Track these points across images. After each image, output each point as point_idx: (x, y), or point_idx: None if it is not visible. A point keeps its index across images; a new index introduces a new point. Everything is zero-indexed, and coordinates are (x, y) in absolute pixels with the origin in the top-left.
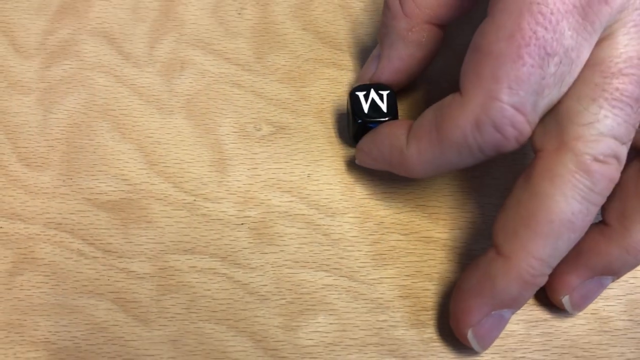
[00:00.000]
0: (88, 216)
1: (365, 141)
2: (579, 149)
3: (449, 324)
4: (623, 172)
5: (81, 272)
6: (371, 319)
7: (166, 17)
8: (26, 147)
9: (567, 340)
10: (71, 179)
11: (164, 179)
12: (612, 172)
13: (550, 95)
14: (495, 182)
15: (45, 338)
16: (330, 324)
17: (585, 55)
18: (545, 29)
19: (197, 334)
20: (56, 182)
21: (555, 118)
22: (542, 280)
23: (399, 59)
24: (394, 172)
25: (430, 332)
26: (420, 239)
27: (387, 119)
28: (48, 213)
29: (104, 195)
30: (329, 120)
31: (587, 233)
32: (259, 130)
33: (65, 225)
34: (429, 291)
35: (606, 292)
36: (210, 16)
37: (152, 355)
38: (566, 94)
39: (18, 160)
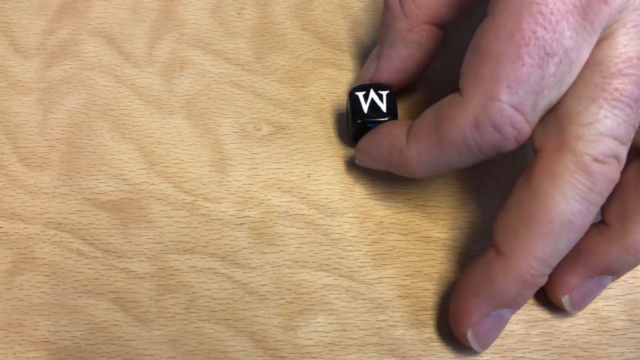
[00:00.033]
0: (88, 216)
1: (365, 141)
2: (578, 149)
3: (449, 323)
4: (623, 172)
5: (81, 272)
6: (371, 318)
7: (166, 17)
8: (26, 147)
9: (566, 340)
10: (71, 179)
11: (164, 179)
12: (612, 172)
13: (549, 96)
14: (495, 182)
15: (45, 338)
16: (330, 323)
17: (585, 55)
18: (545, 29)
19: (196, 334)
20: (56, 182)
21: (555, 118)
22: (542, 280)
23: (399, 59)
24: (394, 172)
25: (430, 332)
26: (419, 238)
27: (386, 119)
28: (48, 213)
29: (104, 195)
30: (329, 120)
31: (587, 233)
32: (258, 130)
33: (65, 225)
34: (429, 291)
35: (605, 292)
36: (210, 16)
37: (152, 355)
38: (566, 94)
39: (18, 160)
